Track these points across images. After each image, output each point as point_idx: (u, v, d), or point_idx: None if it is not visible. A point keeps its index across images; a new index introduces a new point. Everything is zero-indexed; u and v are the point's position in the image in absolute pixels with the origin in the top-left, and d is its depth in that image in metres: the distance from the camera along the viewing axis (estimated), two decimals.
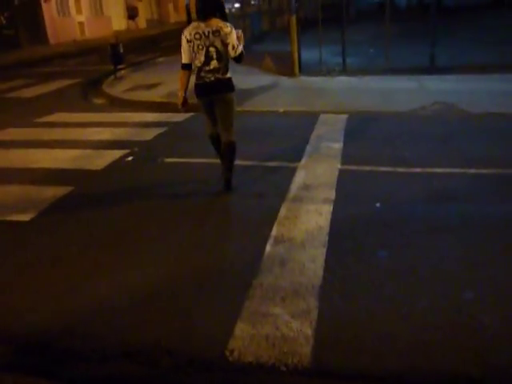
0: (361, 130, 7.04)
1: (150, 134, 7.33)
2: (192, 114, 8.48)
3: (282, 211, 4.47)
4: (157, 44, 23.90)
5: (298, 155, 5.96)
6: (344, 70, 11.25)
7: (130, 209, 4.81)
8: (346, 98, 8.99)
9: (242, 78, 11.90)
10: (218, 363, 2.73)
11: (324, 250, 3.77)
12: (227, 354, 2.78)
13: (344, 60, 11.35)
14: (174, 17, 45.05)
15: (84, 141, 7.17)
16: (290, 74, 11.15)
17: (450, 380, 2.55)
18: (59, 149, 6.82)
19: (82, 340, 2.98)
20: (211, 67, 4.63)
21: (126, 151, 6.51)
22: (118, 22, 35.54)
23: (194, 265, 3.73)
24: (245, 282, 3.42)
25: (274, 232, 4.10)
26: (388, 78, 10.41)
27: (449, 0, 24.15)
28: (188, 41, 4.60)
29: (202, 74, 4.67)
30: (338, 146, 6.28)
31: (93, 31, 31.12)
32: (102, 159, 6.23)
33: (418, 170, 5.34)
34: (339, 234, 4.03)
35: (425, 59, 10.90)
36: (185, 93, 4.80)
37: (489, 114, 7.46)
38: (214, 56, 4.57)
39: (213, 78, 4.66)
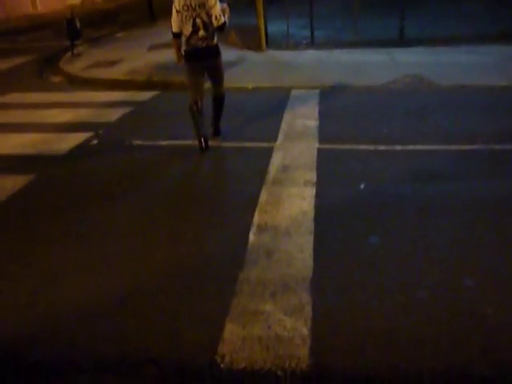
0: (335, 106, 6.81)
1: (114, 115, 6.91)
2: (157, 92, 8.12)
3: (263, 196, 4.22)
4: (114, 18, 22.96)
5: (273, 134, 5.69)
6: (312, 44, 10.94)
7: (99, 198, 4.47)
8: (316, 72, 8.72)
9: None
10: (209, 371, 2.49)
11: (311, 238, 3.54)
12: (218, 359, 2.54)
13: (312, 33, 11.03)
14: None
15: (44, 123, 6.70)
16: (257, 48, 10.77)
17: (459, 380, 2.39)
18: (16, 133, 6.35)
19: (52, 351, 2.69)
20: (199, 36, 5.02)
21: (90, 134, 6.10)
22: None
23: (173, 259, 3.45)
24: (230, 276, 3.17)
25: (256, 219, 3.84)
26: (357, 51, 10.15)
27: None
28: (177, 11, 4.97)
29: (192, 41, 5.07)
30: (313, 123, 6.04)
31: (46, 5, 29.67)
32: (65, 143, 5.81)
33: (399, 147, 5.16)
34: (325, 219, 3.81)
35: (393, 31, 10.69)
36: (180, 52, 5.25)
37: (459, 87, 7.34)
38: (201, 26, 4.97)
39: (204, 45, 5.09)
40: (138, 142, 5.76)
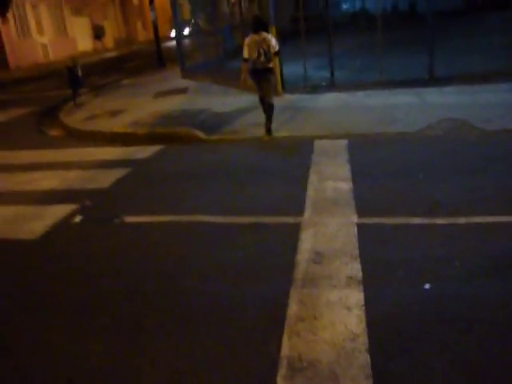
0: (369, 161, 5.70)
1: (108, 179, 5.83)
2: (161, 146, 7.15)
3: (292, 305, 3.05)
4: (123, 64, 22.42)
5: (298, 204, 4.56)
6: (332, 86, 9.95)
7: (65, 314, 3.31)
8: (340, 118, 7.68)
9: (218, 100, 10.51)
10: None
11: None
12: None
13: (332, 74, 10.05)
14: (143, 35, 43.55)
15: (21, 192, 5.66)
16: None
17: None
18: None
19: None
20: (260, 60, 7.10)
21: (75, 206, 5.02)
22: (84, 43, 33.90)
23: None
24: None
25: (285, 349, 2.66)
26: (383, 93, 9.12)
27: (420, 6, 23.11)
28: (247, 44, 7.09)
29: (256, 64, 7.13)
30: (346, 186, 4.92)
31: (57, 53, 29.43)
32: (41, 221, 4.71)
33: (462, 220, 4.00)
34: (385, 347, 2.62)
35: (420, 69, 9.64)
36: (246, 75, 7.27)
37: (508, 132, 6.23)
38: (262, 53, 7.07)
39: (261, 66, 7.13)
40: (131, 219, 4.62)
